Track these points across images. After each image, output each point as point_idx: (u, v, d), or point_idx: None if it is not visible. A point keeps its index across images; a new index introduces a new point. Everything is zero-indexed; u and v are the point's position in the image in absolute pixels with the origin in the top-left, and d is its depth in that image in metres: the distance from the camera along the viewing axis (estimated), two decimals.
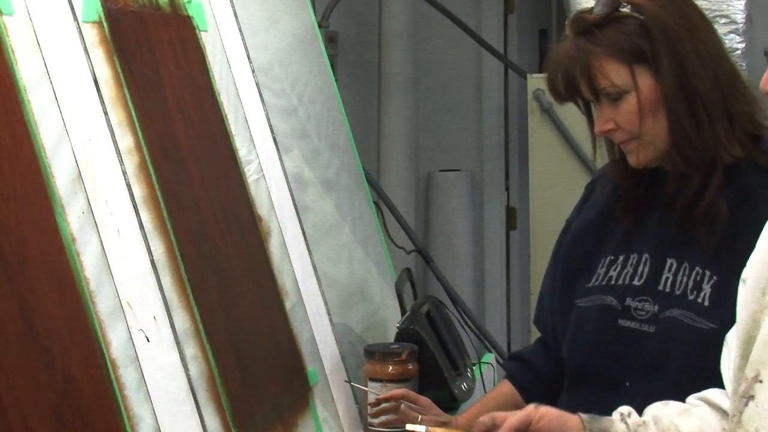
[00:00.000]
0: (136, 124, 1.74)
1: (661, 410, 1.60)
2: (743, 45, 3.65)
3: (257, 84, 2.26)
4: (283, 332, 2.10)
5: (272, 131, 2.27)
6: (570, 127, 3.67)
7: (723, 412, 1.54)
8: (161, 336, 1.66)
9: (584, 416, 1.59)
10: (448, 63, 4.89)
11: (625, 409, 1.61)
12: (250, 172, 2.12)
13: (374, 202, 2.94)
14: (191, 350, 1.73)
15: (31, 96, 1.51)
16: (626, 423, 1.59)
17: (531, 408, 1.61)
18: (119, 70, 1.74)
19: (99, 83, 1.68)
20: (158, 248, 1.71)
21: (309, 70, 2.62)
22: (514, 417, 1.61)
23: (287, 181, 2.28)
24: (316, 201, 2.42)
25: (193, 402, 1.70)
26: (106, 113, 1.68)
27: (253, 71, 2.26)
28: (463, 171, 4.82)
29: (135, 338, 1.60)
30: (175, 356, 1.68)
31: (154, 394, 1.60)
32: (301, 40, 2.61)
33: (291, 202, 2.27)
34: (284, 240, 2.18)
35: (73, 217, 1.53)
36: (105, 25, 1.72)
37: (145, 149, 1.75)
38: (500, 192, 4.95)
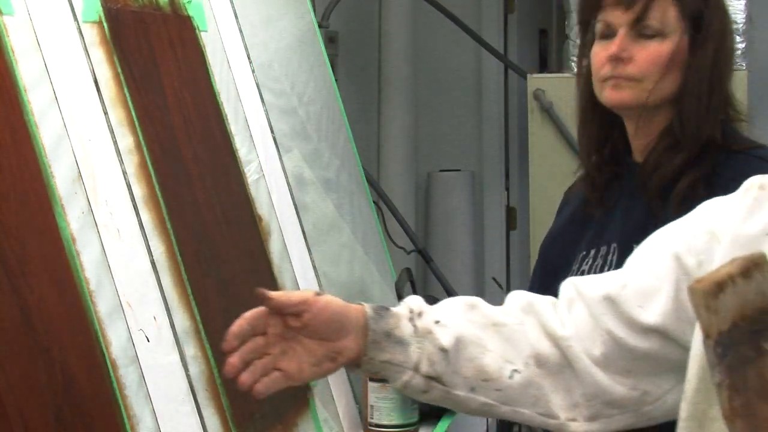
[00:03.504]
0: (136, 124, 1.74)
1: (469, 320, 1.37)
2: (743, 45, 3.66)
3: (257, 84, 2.26)
4: None
5: (272, 131, 2.27)
6: (570, 127, 3.67)
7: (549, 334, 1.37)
8: (161, 336, 1.66)
9: (369, 311, 1.36)
10: (448, 63, 4.89)
11: (416, 303, 1.39)
12: (250, 172, 2.12)
13: (374, 202, 2.94)
14: (191, 350, 1.73)
15: (31, 96, 1.51)
16: (414, 326, 1.36)
17: (311, 293, 1.36)
18: (119, 70, 1.74)
19: (99, 83, 1.68)
20: (158, 248, 1.71)
21: (309, 69, 2.62)
22: (288, 296, 1.37)
23: (287, 181, 2.28)
24: (316, 201, 2.42)
25: (193, 402, 1.70)
26: (106, 113, 1.68)
27: (253, 71, 2.26)
28: (463, 171, 4.82)
29: (135, 338, 1.60)
30: (175, 356, 1.68)
31: (154, 394, 1.60)
32: (301, 40, 2.61)
33: (291, 202, 2.27)
34: (284, 240, 2.18)
35: (73, 217, 1.53)
36: (105, 25, 1.72)
37: (145, 149, 1.75)
38: (500, 192, 4.95)
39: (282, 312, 1.34)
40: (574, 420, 1.37)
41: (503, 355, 1.36)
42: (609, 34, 1.75)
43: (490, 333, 1.37)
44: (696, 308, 0.92)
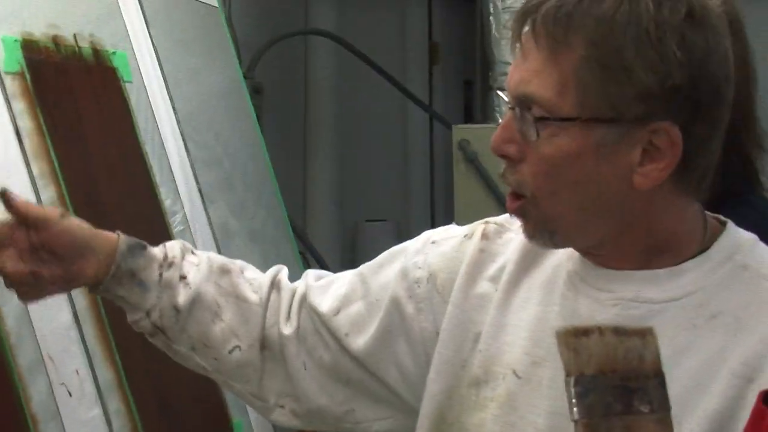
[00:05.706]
0: (59, 175, 1.73)
1: (215, 283, 1.39)
2: None
3: (182, 135, 2.26)
4: (208, 384, 2.07)
5: (197, 182, 2.26)
6: (495, 177, 3.70)
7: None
8: (83, 390, 1.64)
9: (123, 246, 1.35)
10: (374, 113, 4.92)
11: (174, 251, 1.38)
12: (175, 223, 2.10)
13: (300, 253, 2.93)
14: (114, 404, 1.70)
15: None
16: (161, 275, 1.35)
17: (57, 213, 1.33)
18: (42, 121, 1.72)
19: (21, 134, 1.67)
20: (81, 301, 1.69)
21: (234, 121, 2.62)
22: (30, 207, 1.32)
23: (213, 233, 2.27)
24: (242, 252, 2.41)
25: None
26: (28, 164, 1.66)
27: (177, 122, 2.26)
28: (389, 221, 4.83)
29: (57, 393, 1.57)
30: (98, 410, 1.66)
31: None
32: (226, 91, 2.61)
33: (217, 254, 2.26)
34: None
35: None
36: (27, 76, 1.71)
37: (68, 200, 1.73)
38: None
39: (23, 221, 1.29)
40: (282, 407, 1.38)
41: (233, 328, 1.37)
42: None
43: (231, 304, 1.38)
44: (558, 345, 0.97)
